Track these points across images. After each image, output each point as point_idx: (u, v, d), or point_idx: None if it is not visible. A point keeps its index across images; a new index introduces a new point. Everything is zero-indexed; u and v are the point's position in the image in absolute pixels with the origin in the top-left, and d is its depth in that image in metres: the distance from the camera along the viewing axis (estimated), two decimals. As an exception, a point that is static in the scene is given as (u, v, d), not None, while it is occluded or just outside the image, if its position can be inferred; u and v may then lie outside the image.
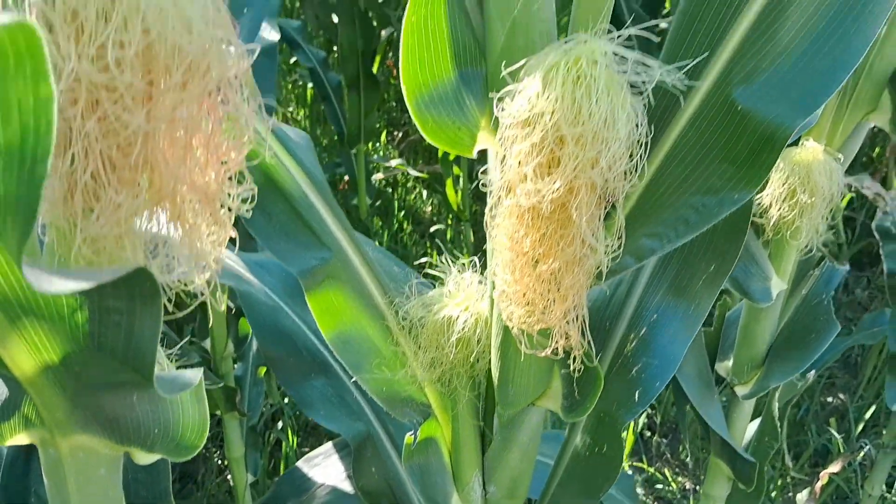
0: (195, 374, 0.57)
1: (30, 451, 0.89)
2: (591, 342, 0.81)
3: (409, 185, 3.82)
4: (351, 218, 3.18)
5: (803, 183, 1.07)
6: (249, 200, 0.52)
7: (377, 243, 3.28)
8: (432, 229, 3.45)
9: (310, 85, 3.80)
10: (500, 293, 0.72)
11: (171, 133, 0.43)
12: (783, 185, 1.08)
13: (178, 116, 0.42)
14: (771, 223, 1.11)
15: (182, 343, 1.05)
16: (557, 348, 0.74)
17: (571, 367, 0.77)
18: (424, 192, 3.81)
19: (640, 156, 0.64)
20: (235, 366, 1.95)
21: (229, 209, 0.51)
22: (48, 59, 0.29)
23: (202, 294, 0.50)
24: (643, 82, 0.61)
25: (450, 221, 3.40)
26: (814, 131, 1.12)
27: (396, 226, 3.57)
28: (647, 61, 0.60)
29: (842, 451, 2.70)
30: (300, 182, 0.90)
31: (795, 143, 1.10)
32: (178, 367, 0.66)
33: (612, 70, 0.60)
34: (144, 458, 0.62)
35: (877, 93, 1.07)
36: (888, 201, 2.14)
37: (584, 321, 0.73)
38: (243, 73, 0.44)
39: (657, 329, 0.90)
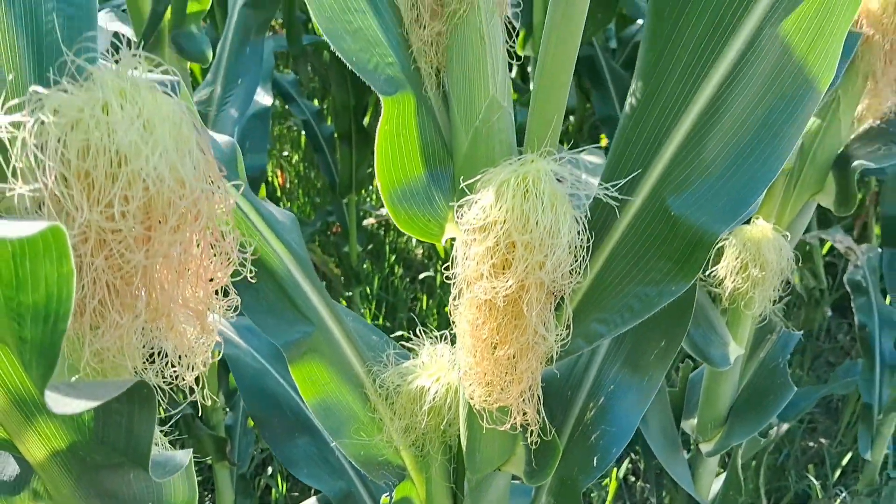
0: (184, 456, 0.65)
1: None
2: (552, 414, 0.89)
3: (401, 229, 3.89)
4: (342, 264, 3.26)
5: (754, 258, 1.15)
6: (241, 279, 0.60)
7: (368, 288, 3.36)
8: (422, 275, 3.53)
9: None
10: (464, 374, 0.80)
11: (166, 264, 0.51)
12: (736, 259, 1.17)
13: (173, 250, 0.50)
14: (727, 294, 1.19)
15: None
16: (515, 423, 0.81)
17: (529, 440, 0.85)
18: (415, 237, 3.88)
19: (583, 258, 0.72)
20: (226, 416, 2.01)
21: (226, 315, 0.59)
22: (70, 244, 0.37)
23: (192, 391, 0.57)
24: (585, 195, 0.69)
25: (439, 267, 3.48)
26: (764, 210, 1.21)
27: (388, 269, 3.64)
28: (588, 179, 0.68)
29: (819, 496, 2.75)
30: (286, 261, 0.97)
31: (748, 220, 1.19)
32: (169, 418, 0.73)
33: (555, 186, 0.69)
34: (138, 528, 0.69)
35: (821, 176, 1.16)
36: (859, 255, 2.23)
37: (539, 399, 0.81)
38: (229, 209, 0.52)
39: (614, 399, 0.98)
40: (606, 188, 0.69)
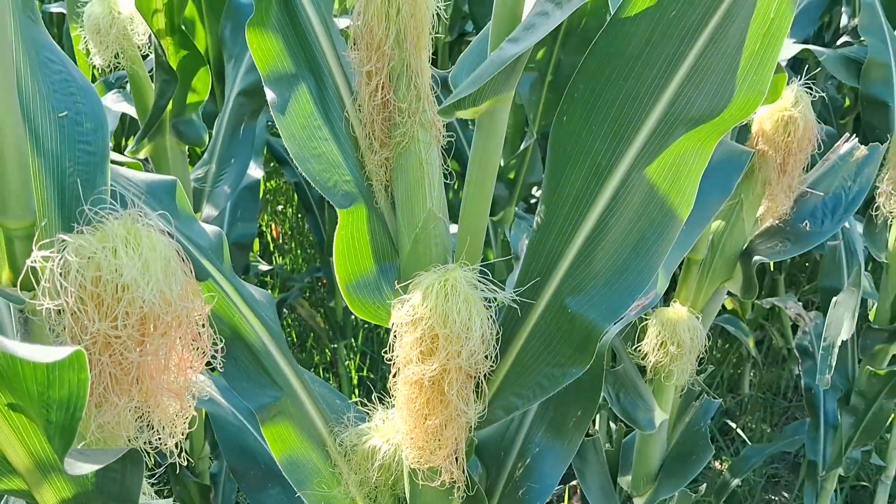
0: (165, 504, 0.81)
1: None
2: (488, 471, 1.05)
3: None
4: (328, 318, 3.42)
5: (671, 337, 1.32)
6: (221, 350, 0.76)
7: (353, 339, 3.52)
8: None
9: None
10: (401, 439, 0.96)
11: (154, 360, 0.68)
12: (656, 337, 1.34)
13: (160, 351, 0.68)
14: (650, 366, 1.36)
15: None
16: (444, 481, 0.98)
17: (457, 495, 1.01)
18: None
19: (495, 347, 0.89)
20: (211, 465, 2.16)
21: (198, 394, 0.76)
22: (87, 358, 0.54)
23: (173, 454, 0.74)
24: (494, 299, 0.87)
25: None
26: (681, 295, 1.38)
27: (372, 324, 3.81)
28: (495, 288, 0.86)
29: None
30: (261, 335, 1.14)
31: (667, 304, 1.37)
32: (158, 467, 0.88)
33: (470, 290, 0.86)
34: (127, 563, 0.85)
35: (730, 267, 1.33)
36: (807, 321, 2.40)
37: (463, 462, 0.97)
38: (202, 318, 0.70)
39: (538, 460, 1.14)
40: (515, 292, 0.87)
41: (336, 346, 3.36)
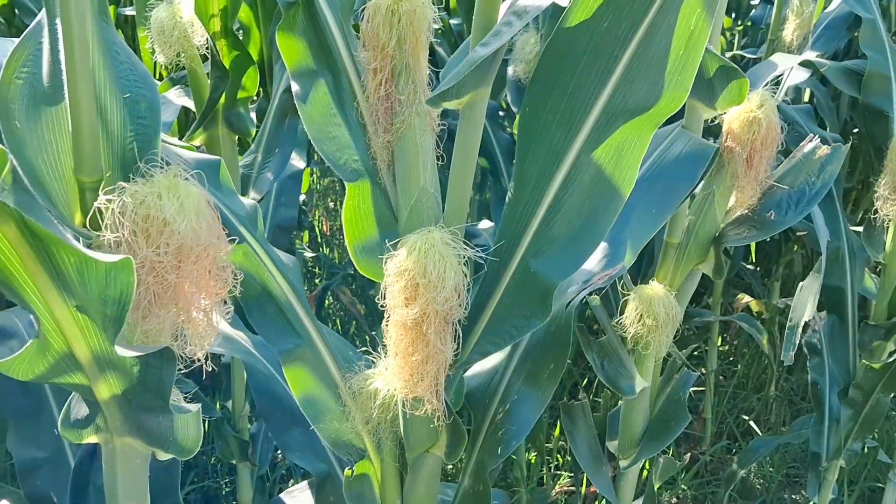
0: (194, 407, 1.02)
1: (92, 456, 1.33)
2: (474, 414, 1.24)
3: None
4: (368, 305, 3.64)
5: (648, 311, 1.49)
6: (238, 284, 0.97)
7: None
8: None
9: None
10: (391, 373, 1.16)
11: (188, 282, 0.89)
12: (635, 311, 1.51)
13: (192, 275, 0.89)
14: (630, 337, 1.53)
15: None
16: (427, 410, 1.17)
17: (436, 423, 1.20)
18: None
19: (467, 297, 1.08)
20: (251, 425, 2.39)
21: (224, 315, 0.97)
22: (134, 266, 0.75)
23: (198, 360, 0.95)
24: (467, 257, 1.06)
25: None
26: (660, 275, 1.55)
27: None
28: (466, 248, 1.05)
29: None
30: (285, 290, 1.34)
31: (646, 281, 1.53)
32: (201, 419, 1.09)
33: (447, 248, 1.06)
34: (163, 456, 1.06)
35: (703, 251, 1.50)
36: (817, 321, 2.53)
37: (442, 394, 1.16)
38: (226, 255, 0.90)
39: (517, 405, 1.33)
40: (489, 254, 1.07)
41: (375, 332, 3.57)
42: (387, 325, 1.14)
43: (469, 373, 1.40)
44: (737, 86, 1.35)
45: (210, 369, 0.99)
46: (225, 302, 0.96)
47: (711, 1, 0.96)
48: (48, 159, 0.93)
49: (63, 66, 0.88)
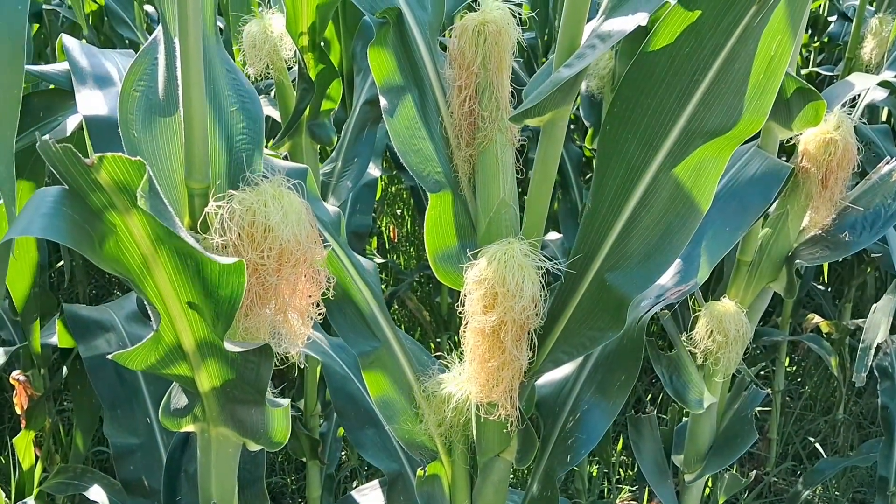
0: (285, 402, 1.09)
1: (184, 445, 1.42)
2: (545, 422, 1.28)
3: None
4: (434, 313, 3.71)
5: (718, 327, 1.51)
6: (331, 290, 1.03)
7: (456, 336, 3.78)
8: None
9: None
10: (466, 378, 1.21)
11: (286, 284, 0.96)
12: (706, 328, 1.53)
13: (290, 277, 0.95)
14: (699, 354, 1.55)
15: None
16: (500, 415, 1.21)
17: (509, 428, 1.25)
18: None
19: (543, 307, 1.13)
20: (322, 424, 2.46)
21: (317, 316, 1.03)
22: (245, 268, 0.81)
23: (291, 358, 1.02)
24: (544, 268, 1.10)
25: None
26: (731, 292, 1.57)
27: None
28: (545, 259, 1.10)
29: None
30: (365, 294, 1.40)
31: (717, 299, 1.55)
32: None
33: (526, 259, 1.10)
34: (253, 446, 1.13)
35: (776, 269, 1.51)
36: (889, 343, 2.49)
37: (516, 400, 1.21)
38: (321, 260, 0.97)
39: (587, 415, 1.36)
40: (565, 266, 1.11)
41: (440, 339, 3.63)
42: (464, 332, 1.19)
43: (541, 381, 1.44)
44: (813, 107, 1.37)
45: (301, 367, 1.05)
46: (317, 304, 1.03)
47: (793, 27, 0.99)
48: (161, 166, 1.01)
49: (178, 81, 0.96)
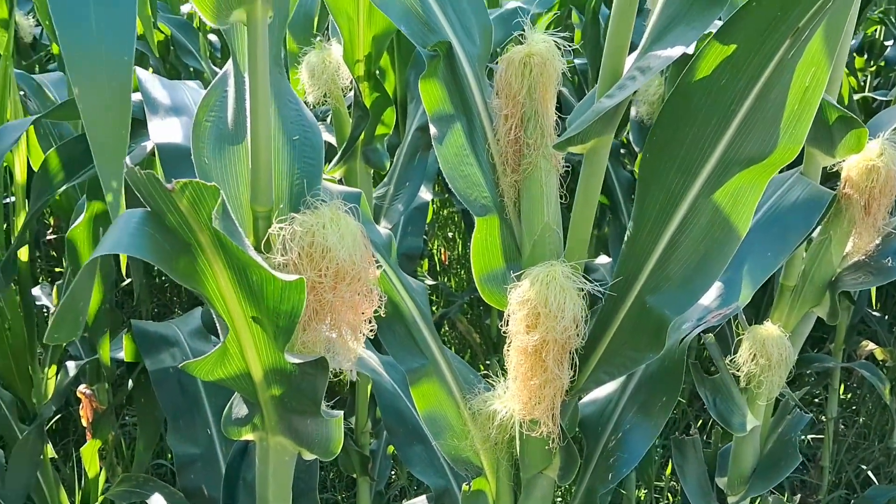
0: (338, 414, 1.15)
1: (242, 454, 1.49)
2: (587, 441, 1.32)
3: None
4: (484, 335, 3.76)
5: (761, 351, 1.53)
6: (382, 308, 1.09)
7: (501, 355, 3.83)
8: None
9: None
10: (510, 395, 1.26)
11: (342, 302, 1.03)
12: (749, 351, 1.55)
13: (345, 295, 1.02)
14: (743, 376, 1.58)
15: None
16: (542, 432, 1.26)
17: (551, 445, 1.29)
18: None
19: (585, 327, 1.17)
20: (372, 441, 2.53)
21: (369, 332, 1.10)
22: (305, 285, 0.88)
23: (347, 373, 1.08)
24: (586, 290, 1.15)
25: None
26: (775, 316, 1.59)
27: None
28: (586, 281, 1.14)
29: None
30: (413, 313, 1.46)
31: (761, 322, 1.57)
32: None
33: (568, 281, 1.15)
34: (308, 455, 1.19)
35: (819, 294, 1.53)
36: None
37: (558, 418, 1.25)
38: (375, 279, 1.03)
39: (629, 434, 1.40)
40: (607, 289, 1.16)
41: (489, 361, 3.68)
42: (508, 351, 1.25)
43: (584, 400, 1.48)
44: (855, 135, 1.39)
45: (352, 381, 1.12)
46: (370, 321, 1.09)
47: (829, 58, 1.03)
48: (229, 190, 1.09)
49: (247, 113, 1.04)
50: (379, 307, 1.09)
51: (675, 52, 1.06)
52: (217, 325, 0.97)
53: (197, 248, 0.87)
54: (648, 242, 1.18)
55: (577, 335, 1.18)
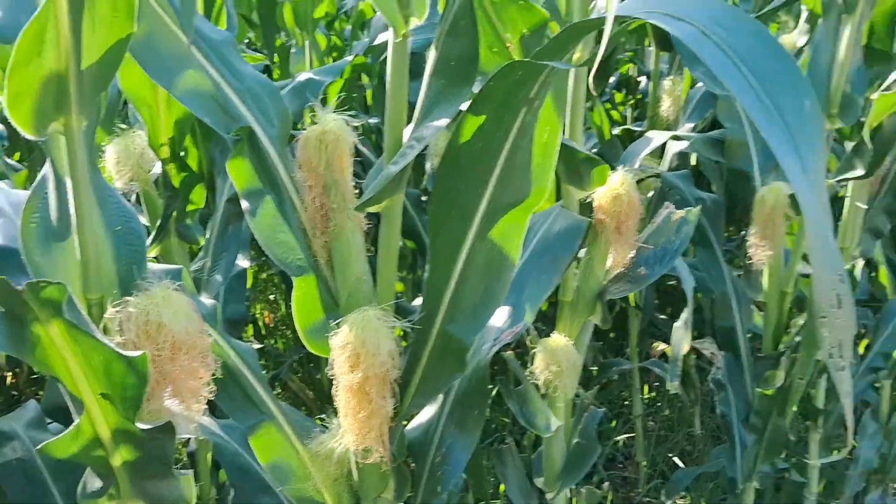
0: (188, 471, 1.26)
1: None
2: (416, 461, 1.50)
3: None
4: (316, 390, 3.86)
5: (552, 359, 1.79)
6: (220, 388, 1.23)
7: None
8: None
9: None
10: (343, 431, 1.42)
11: (180, 370, 1.16)
12: (542, 361, 1.81)
13: (184, 363, 1.15)
14: (541, 383, 1.83)
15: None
16: (375, 458, 1.43)
17: (384, 468, 1.46)
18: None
19: (401, 360, 1.36)
20: (217, 507, 2.57)
21: (208, 395, 1.23)
22: (148, 358, 1.01)
23: (193, 438, 1.20)
24: (394, 326, 1.35)
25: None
26: (560, 327, 1.86)
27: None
28: (396, 319, 1.34)
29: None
30: (248, 375, 1.59)
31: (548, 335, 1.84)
32: None
33: (380, 322, 1.34)
34: (164, 516, 1.29)
35: (591, 305, 1.82)
36: (720, 358, 2.85)
37: (387, 443, 1.43)
38: (207, 347, 1.17)
39: (451, 450, 1.60)
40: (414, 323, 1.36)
41: (324, 414, 3.78)
42: (336, 391, 1.41)
43: (410, 426, 1.67)
44: (599, 171, 1.70)
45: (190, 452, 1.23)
46: (208, 384, 1.22)
47: (559, 117, 1.30)
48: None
49: (71, 211, 1.16)
50: (215, 371, 1.22)
51: (442, 123, 1.29)
52: (70, 405, 1.07)
53: (46, 338, 0.98)
54: (443, 279, 1.40)
55: (394, 367, 1.37)
